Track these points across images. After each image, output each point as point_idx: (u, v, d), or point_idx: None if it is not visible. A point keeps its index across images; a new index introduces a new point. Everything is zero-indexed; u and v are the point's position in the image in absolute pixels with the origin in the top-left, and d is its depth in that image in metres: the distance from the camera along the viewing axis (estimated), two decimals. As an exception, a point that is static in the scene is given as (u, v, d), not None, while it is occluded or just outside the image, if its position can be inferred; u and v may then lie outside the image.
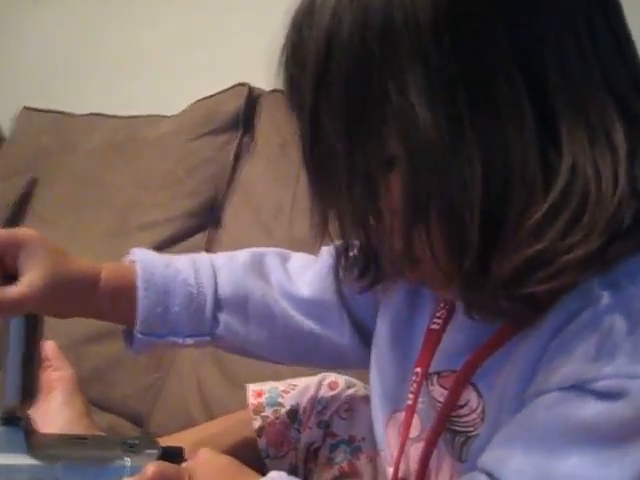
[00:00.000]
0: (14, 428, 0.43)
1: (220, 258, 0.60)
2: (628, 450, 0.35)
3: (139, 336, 0.53)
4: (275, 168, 1.05)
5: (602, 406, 0.35)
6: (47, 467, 0.42)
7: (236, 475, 0.46)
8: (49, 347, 0.62)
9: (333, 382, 0.67)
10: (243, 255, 0.61)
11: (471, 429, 0.45)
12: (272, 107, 1.13)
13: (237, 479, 0.45)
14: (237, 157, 1.14)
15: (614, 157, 0.35)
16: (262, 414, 0.64)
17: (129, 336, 0.56)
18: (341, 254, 0.54)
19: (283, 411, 0.64)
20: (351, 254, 0.53)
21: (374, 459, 0.61)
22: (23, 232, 0.48)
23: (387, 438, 0.54)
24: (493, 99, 0.35)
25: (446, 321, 0.49)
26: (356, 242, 0.51)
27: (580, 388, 0.36)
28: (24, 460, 0.42)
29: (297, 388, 0.66)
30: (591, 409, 0.36)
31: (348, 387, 0.66)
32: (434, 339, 0.50)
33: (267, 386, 0.68)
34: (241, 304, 0.57)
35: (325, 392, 0.66)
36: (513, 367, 0.42)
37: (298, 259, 0.63)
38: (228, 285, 0.57)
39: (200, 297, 0.56)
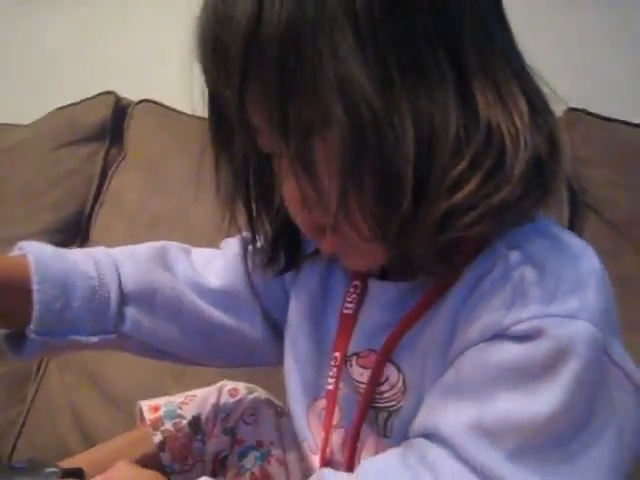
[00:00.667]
0: None
1: (118, 252, 0.56)
2: (555, 379, 0.37)
3: (33, 337, 0.47)
4: (148, 178, 1.01)
5: (523, 347, 0.37)
6: None
7: None
8: None
9: (233, 389, 0.65)
10: (144, 248, 0.57)
11: (393, 403, 0.46)
12: (142, 117, 1.09)
13: None
14: (104, 169, 1.07)
15: (522, 120, 0.39)
16: (162, 428, 0.60)
17: (15, 341, 0.49)
18: (248, 242, 0.53)
19: (184, 423, 0.61)
20: (259, 243, 0.52)
21: (284, 462, 0.61)
22: None
23: (309, 427, 0.53)
24: (419, 63, 0.38)
25: (358, 305, 0.51)
26: (263, 229, 0.51)
27: (500, 336, 0.38)
28: None
29: (196, 398, 0.64)
30: (513, 352, 0.38)
31: (249, 392, 0.65)
32: (348, 323, 0.51)
33: (162, 400, 0.64)
34: (148, 298, 0.53)
35: (226, 399, 0.64)
36: (431, 335, 0.44)
37: (201, 252, 0.61)
38: (133, 278, 0.53)
39: (103, 291, 0.51)
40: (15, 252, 0.51)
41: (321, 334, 0.53)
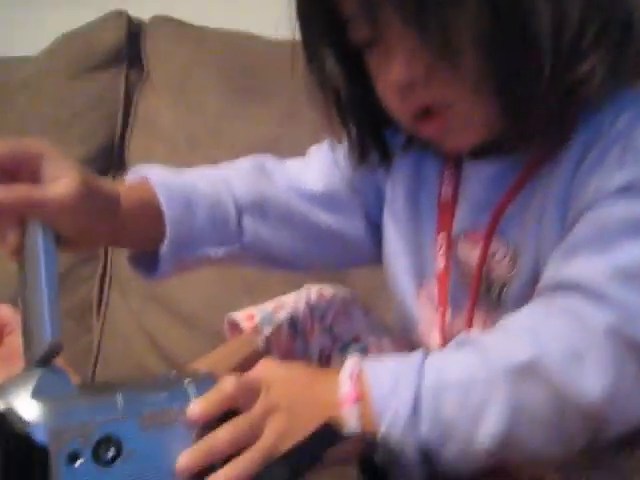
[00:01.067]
0: (57, 369, 0.36)
1: (222, 169, 0.57)
2: None
3: (167, 254, 0.48)
4: (179, 97, 0.98)
5: None
6: (108, 401, 0.36)
7: (314, 375, 0.43)
8: (5, 310, 0.54)
9: (320, 290, 0.66)
10: (244, 163, 0.58)
11: (508, 271, 0.48)
12: (159, 35, 1.04)
13: (318, 378, 0.42)
14: (128, 93, 1.03)
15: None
16: (263, 333, 0.61)
17: (146, 262, 0.50)
18: (337, 144, 0.55)
19: (284, 325, 0.62)
20: (351, 139, 0.53)
21: (383, 352, 0.62)
22: (38, 142, 0.41)
23: (421, 310, 0.54)
24: None
25: (455, 189, 0.51)
26: (351, 130, 0.52)
27: (623, 192, 0.40)
28: (78, 400, 0.36)
29: (287, 303, 0.64)
30: (635, 205, 0.40)
31: (336, 292, 0.66)
32: (448, 207, 0.52)
33: (253, 309, 0.65)
34: (260, 207, 0.55)
35: (318, 299, 0.64)
36: (541, 202, 0.45)
37: (292, 161, 0.61)
38: (243, 190, 0.55)
39: (222, 205, 0.53)
40: (131, 176, 0.52)
41: (420, 219, 0.54)
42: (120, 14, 1.05)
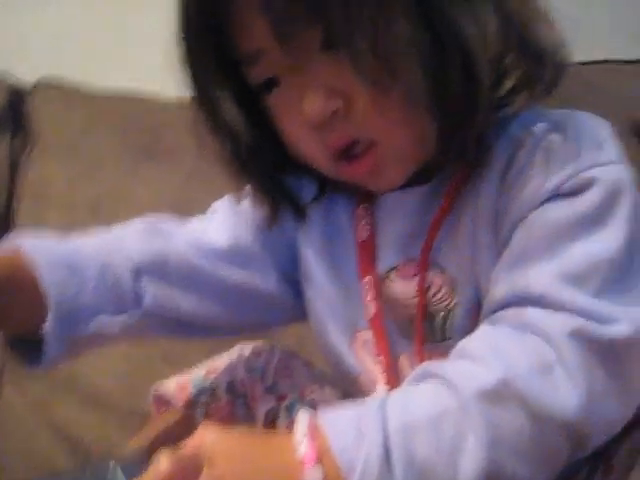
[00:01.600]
0: None
1: (110, 231, 0.51)
2: (615, 215, 0.40)
3: (53, 333, 0.41)
4: (74, 162, 0.91)
5: (579, 199, 0.40)
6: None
7: (263, 440, 0.37)
8: None
9: (255, 348, 0.61)
10: (135, 224, 0.52)
11: (448, 302, 0.46)
12: (46, 99, 0.97)
13: (268, 443, 0.36)
14: (12, 161, 0.95)
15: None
16: (200, 402, 0.55)
17: (30, 349, 0.42)
18: (240, 199, 0.51)
19: (221, 391, 0.55)
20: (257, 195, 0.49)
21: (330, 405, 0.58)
22: None
23: (360, 361, 0.51)
24: None
25: (372, 227, 0.49)
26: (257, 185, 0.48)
27: (553, 197, 0.40)
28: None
29: (220, 367, 0.58)
30: (572, 206, 0.40)
31: (271, 349, 0.61)
32: (368, 247, 0.49)
33: (183, 377, 0.58)
34: (160, 267, 0.49)
35: (254, 359, 0.59)
36: (471, 224, 0.44)
37: (191, 220, 0.57)
38: (139, 250, 0.49)
39: (114, 267, 0.46)
40: (2, 247, 0.44)
41: (340, 265, 0.51)
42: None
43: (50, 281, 0.41)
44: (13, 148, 0.96)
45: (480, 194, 0.43)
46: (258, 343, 0.62)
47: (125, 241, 0.49)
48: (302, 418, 0.36)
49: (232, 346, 0.65)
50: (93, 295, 0.44)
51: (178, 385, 0.56)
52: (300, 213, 0.50)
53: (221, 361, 0.59)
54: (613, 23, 0.98)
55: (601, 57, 0.90)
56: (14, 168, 0.94)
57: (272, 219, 0.50)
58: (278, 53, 0.41)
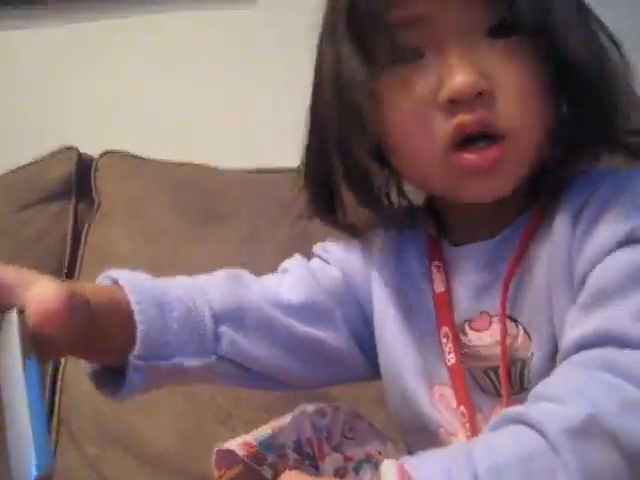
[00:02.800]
0: None
1: (194, 278, 0.52)
2: None
3: (137, 363, 0.43)
4: (134, 227, 0.95)
5: None
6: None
7: None
8: None
9: (320, 409, 0.60)
10: (219, 273, 0.54)
11: (524, 352, 0.46)
12: (109, 168, 1.03)
13: None
14: (75, 225, 0.99)
15: None
16: (267, 462, 0.54)
17: (112, 377, 0.44)
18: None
19: (288, 450, 0.55)
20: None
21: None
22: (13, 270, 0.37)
23: (437, 415, 0.50)
24: None
25: (447, 280, 0.50)
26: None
27: (628, 241, 0.41)
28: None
29: (286, 426, 0.58)
30: None
31: (336, 409, 0.61)
32: (444, 299, 0.50)
33: (247, 437, 0.58)
34: (239, 317, 0.51)
35: (319, 419, 0.59)
36: (543, 272, 0.45)
37: (266, 276, 0.58)
38: (221, 298, 0.50)
39: (197, 311, 0.48)
40: (100, 280, 0.47)
41: (416, 317, 0.52)
42: (70, 148, 1.04)
43: (142, 317, 0.43)
44: (78, 214, 1.01)
45: (554, 240, 0.44)
46: (321, 404, 0.62)
47: (208, 288, 0.51)
48: (388, 466, 0.36)
49: (291, 408, 0.65)
50: (177, 332, 0.45)
51: (243, 443, 0.56)
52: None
53: (285, 420, 0.59)
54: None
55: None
56: (78, 233, 0.98)
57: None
58: (442, 24, 0.42)
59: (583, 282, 0.42)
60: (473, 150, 0.43)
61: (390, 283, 0.53)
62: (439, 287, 0.50)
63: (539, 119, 0.43)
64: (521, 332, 0.46)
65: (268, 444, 0.56)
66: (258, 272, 0.93)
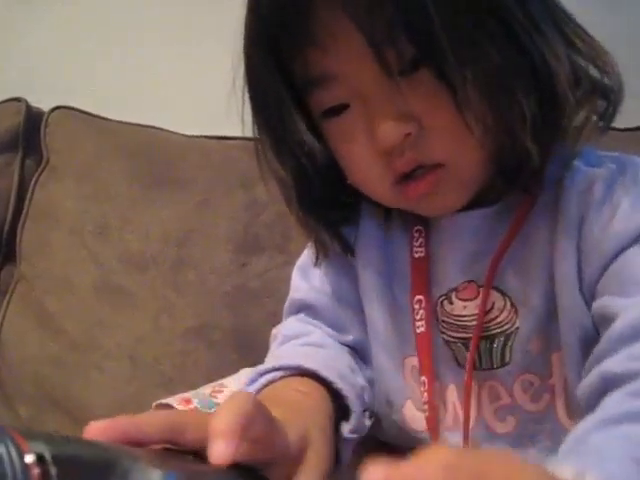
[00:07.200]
0: None
1: (315, 350, 0.50)
2: None
3: (351, 437, 0.43)
4: (84, 186, 0.91)
5: None
6: None
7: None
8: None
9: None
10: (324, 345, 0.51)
11: (509, 326, 0.46)
12: (60, 124, 0.98)
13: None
14: (21, 181, 0.95)
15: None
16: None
17: None
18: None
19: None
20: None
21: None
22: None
23: (409, 389, 0.50)
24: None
25: (426, 249, 0.49)
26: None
27: None
28: None
29: (227, 387, 0.57)
30: None
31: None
32: (422, 267, 0.49)
33: (187, 394, 0.57)
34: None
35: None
36: (538, 248, 0.44)
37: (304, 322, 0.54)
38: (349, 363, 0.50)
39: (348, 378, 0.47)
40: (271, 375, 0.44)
41: (396, 286, 0.50)
42: (18, 100, 0.99)
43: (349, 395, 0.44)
44: (24, 168, 0.96)
45: (556, 214, 0.44)
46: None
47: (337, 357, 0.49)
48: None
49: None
50: (358, 402, 0.45)
51: (182, 398, 0.55)
52: (349, 250, 0.50)
53: (228, 382, 0.59)
54: None
55: None
56: (23, 188, 0.94)
57: (324, 254, 0.50)
58: (358, 77, 0.41)
59: (598, 280, 0.41)
60: (414, 179, 0.43)
61: (377, 250, 0.51)
62: (418, 252, 0.49)
63: (472, 143, 0.41)
64: (508, 305, 0.46)
65: (207, 402, 0.55)
66: (207, 238, 0.91)
